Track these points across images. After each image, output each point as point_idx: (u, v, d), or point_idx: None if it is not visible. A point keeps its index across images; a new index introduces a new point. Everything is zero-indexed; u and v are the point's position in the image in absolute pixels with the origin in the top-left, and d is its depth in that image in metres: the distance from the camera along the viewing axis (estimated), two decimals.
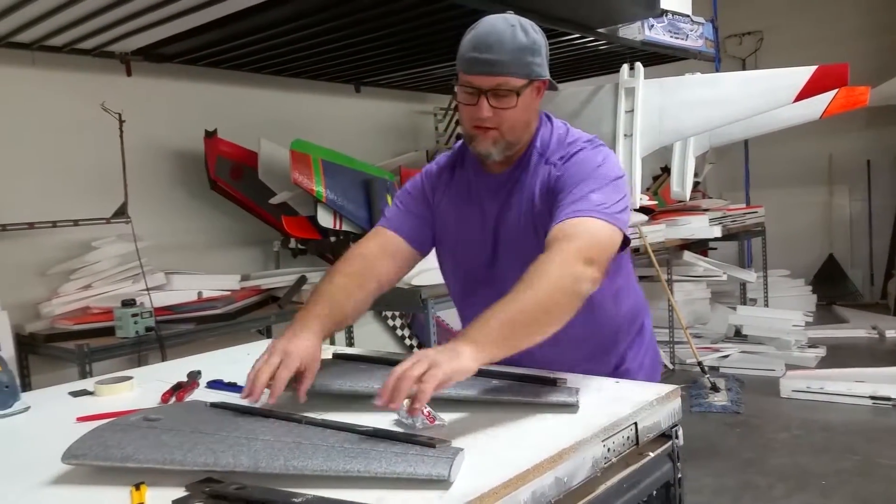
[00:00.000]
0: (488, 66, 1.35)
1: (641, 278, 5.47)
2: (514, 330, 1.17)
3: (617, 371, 1.57)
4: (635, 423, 1.21)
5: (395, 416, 1.20)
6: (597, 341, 1.55)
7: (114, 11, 2.61)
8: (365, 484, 0.93)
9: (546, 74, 1.43)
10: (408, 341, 4.79)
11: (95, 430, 1.10)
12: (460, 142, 1.61)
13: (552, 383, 1.33)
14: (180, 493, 0.92)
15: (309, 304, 1.39)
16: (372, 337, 4.50)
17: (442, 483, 0.92)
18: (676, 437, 1.30)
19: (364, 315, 1.60)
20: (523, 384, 1.34)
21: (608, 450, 1.13)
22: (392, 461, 0.96)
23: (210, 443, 1.03)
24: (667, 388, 1.32)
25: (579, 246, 1.27)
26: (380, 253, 1.53)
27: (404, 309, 4.37)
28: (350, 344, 4.18)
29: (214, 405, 1.26)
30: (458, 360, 1.09)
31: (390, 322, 4.70)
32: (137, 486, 0.90)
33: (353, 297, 1.44)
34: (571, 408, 1.23)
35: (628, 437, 1.19)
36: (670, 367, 5.18)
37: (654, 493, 1.28)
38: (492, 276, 1.52)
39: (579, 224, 1.31)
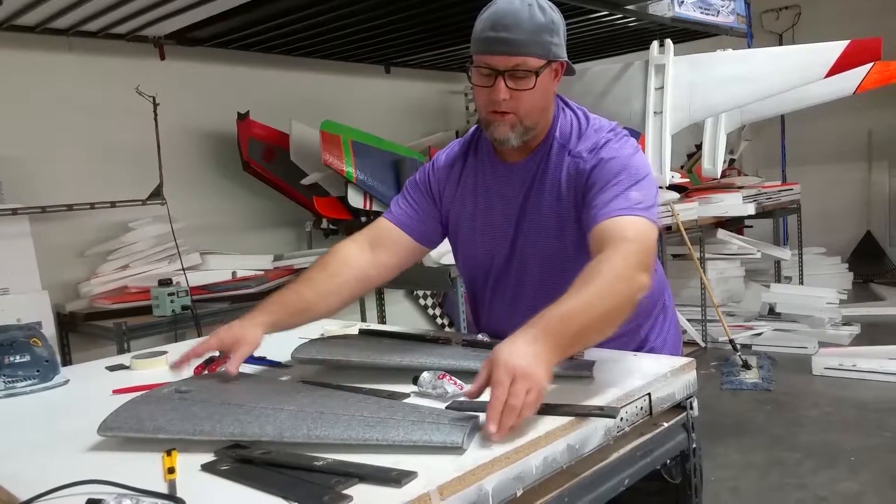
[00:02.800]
0: (506, 45, 1.30)
1: (674, 256, 5.45)
2: (583, 336, 1.14)
3: (643, 349, 1.56)
4: (648, 394, 1.23)
5: (415, 388, 1.24)
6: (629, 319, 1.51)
7: None
8: (383, 450, 0.97)
9: (564, 56, 1.37)
10: (439, 320, 4.85)
11: (129, 402, 1.15)
12: (473, 128, 1.58)
13: (568, 357, 1.36)
14: (209, 458, 0.97)
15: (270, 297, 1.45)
16: (404, 316, 4.57)
17: (456, 449, 0.96)
18: (691, 409, 1.33)
19: (350, 303, 1.64)
20: None
21: (621, 419, 1.16)
22: (409, 429, 1.00)
23: (238, 414, 1.07)
24: (681, 360, 1.35)
25: (637, 251, 1.23)
26: (367, 245, 1.52)
27: (434, 288, 4.41)
28: (382, 321, 4.25)
29: (244, 375, 1.32)
30: (545, 375, 1.04)
31: (421, 301, 4.76)
32: (169, 453, 0.96)
33: (318, 287, 1.45)
34: (586, 379, 1.26)
35: (641, 408, 1.22)
36: (702, 345, 5.16)
37: (669, 462, 1.31)
38: (509, 268, 1.50)
39: (629, 225, 1.27)
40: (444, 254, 3.11)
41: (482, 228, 1.51)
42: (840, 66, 3.10)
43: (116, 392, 1.35)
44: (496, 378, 1.00)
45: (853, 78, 3.76)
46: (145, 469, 0.93)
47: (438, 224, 1.57)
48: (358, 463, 0.91)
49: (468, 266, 1.60)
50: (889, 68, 3.79)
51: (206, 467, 0.94)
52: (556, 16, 1.36)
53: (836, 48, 3.10)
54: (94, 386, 1.46)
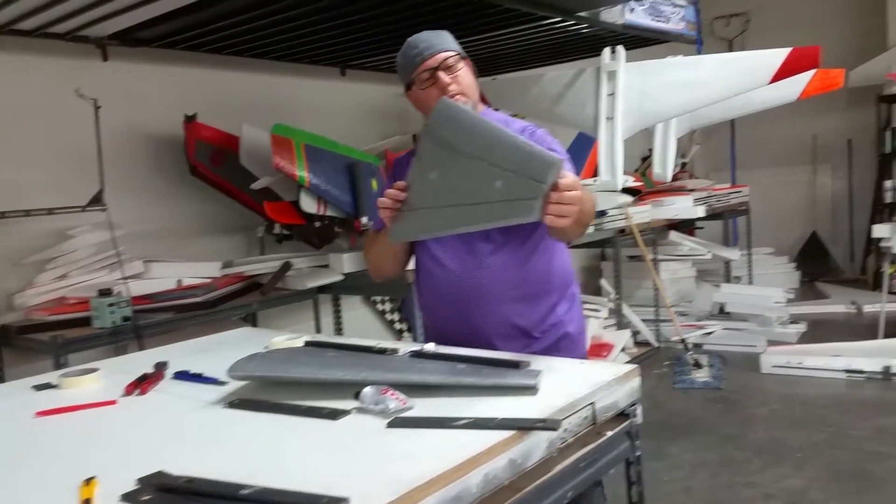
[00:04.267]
0: (430, 48, 1.70)
1: (629, 258, 5.51)
2: (581, 212, 1.43)
3: (550, 318, 1.78)
4: (592, 403, 1.22)
5: (357, 405, 1.21)
6: (539, 284, 1.77)
7: None
8: (322, 472, 0.94)
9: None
10: (397, 325, 4.81)
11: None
12: None
13: (515, 366, 1.35)
14: (131, 487, 0.92)
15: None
16: (361, 322, 4.51)
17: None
18: (635, 416, 1.33)
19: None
20: (486, 367, 1.35)
21: (565, 430, 1.15)
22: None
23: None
24: (625, 367, 1.34)
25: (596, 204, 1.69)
26: None
27: (392, 294, 4.38)
28: (338, 328, 4.20)
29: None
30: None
31: (379, 307, 4.71)
32: (87, 481, 0.91)
33: None
34: (531, 390, 1.25)
35: (585, 417, 1.21)
36: (655, 344, 5.22)
37: (613, 471, 1.30)
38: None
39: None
40: None
41: None
42: (783, 73, 3.16)
43: (40, 414, 1.28)
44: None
45: (797, 84, 3.84)
46: (60, 500, 0.88)
47: None
48: (286, 490, 0.88)
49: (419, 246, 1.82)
50: (829, 76, 3.89)
51: (127, 497, 0.90)
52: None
53: (778, 55, 3.16)
54: (17, 407, 1.38)
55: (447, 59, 1.69)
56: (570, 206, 1.36)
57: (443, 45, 1.71)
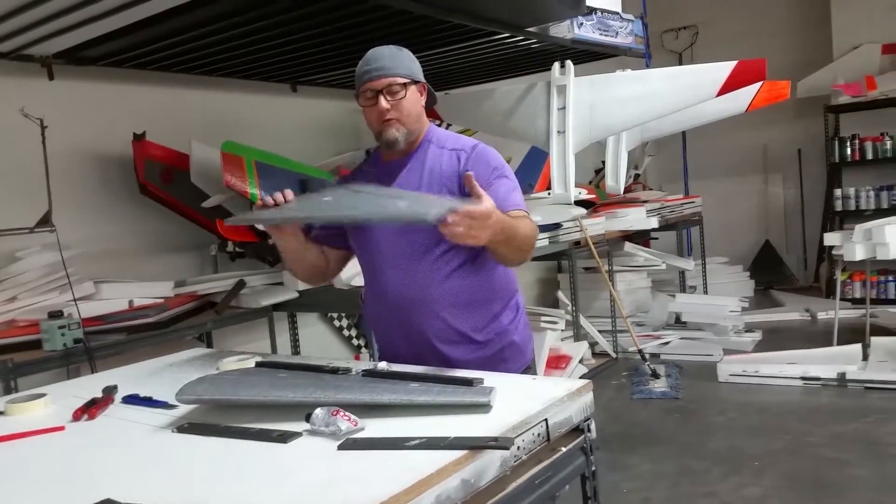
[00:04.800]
0: (379, 71, 1.74)
1: (585, 269, 5.57)
2: (506, 240, 1.56)
3: (493, 326, 1.82)
4: (545, 420, 1.23)
5: (308, 426, 1.20)
6: (480, 293, 1.82)
7: (31, 12, 2.51)
8: (271, 497, 0.92)
9: (423, 80, 1.82)
10: (355, 341, 4.78)
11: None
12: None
13: (468, 383, 1.35)
14: None
15: None
16: (318, 339, 4.47)
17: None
18: (589, 431, 1.33)
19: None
20: (439, 385, 1.35)
21: (518, 448, 1.15)
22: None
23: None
24: (578, 383, 1.35)
25: (535, 237, 1.74)
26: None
27: (348, 310, 4.35)
28: (295, 346, 4.15)
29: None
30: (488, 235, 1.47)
31: (336, 323, 4.68)
32: None
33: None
34: (484, 408, 1.25)
35: (539, 434, 1.21)
36: (613, 355, 5.28)
37: (569, 487, 1.31)
38: (390, 235, 1.79)
39: (528, 221, 1.74)
40: (354, 276, 3.06)
41: None
42: (730, 86, 3.23)
43: None
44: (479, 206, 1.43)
45: (744, 96, 3.93)
46: None
47: (340, 228, 1.91)
48: None
49: (360, 249, 1.88)
50: (776, 87, 4.00)
51: None
52: (412, 56, 1.82)
53: (725, 68, 3.24)
54: None
55: (391, 85, 1.74)
56: (476, 230, 1.42)
57: (393, 69, 1.74)
